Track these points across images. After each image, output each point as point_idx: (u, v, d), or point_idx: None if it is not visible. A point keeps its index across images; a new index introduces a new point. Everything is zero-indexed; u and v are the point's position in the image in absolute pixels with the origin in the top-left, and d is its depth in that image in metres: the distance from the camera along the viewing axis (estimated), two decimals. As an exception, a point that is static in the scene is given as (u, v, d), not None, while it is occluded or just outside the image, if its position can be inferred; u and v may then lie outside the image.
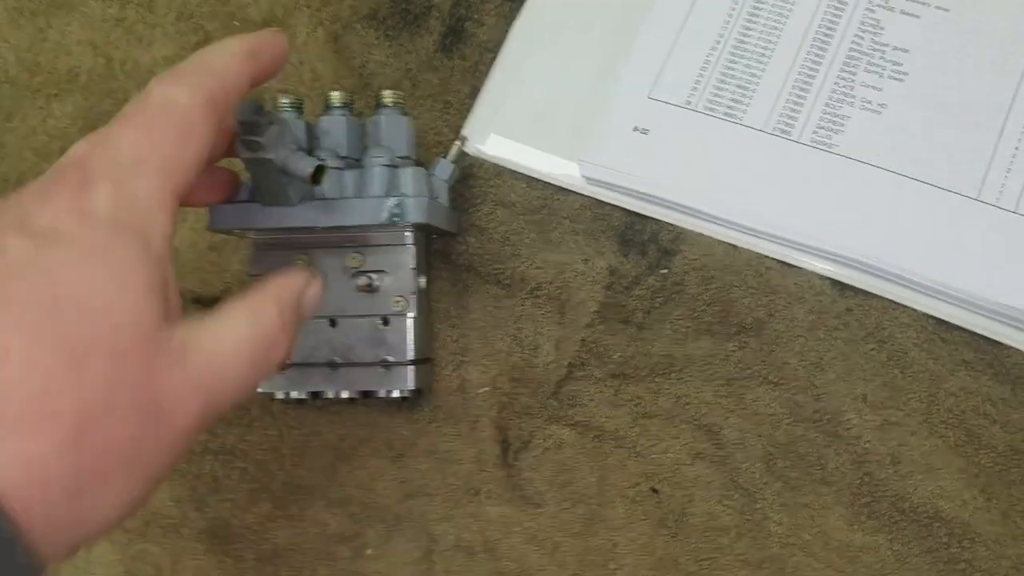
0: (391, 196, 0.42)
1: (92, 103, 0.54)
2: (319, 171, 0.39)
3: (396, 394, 0.44)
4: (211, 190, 0.41)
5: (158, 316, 0.29)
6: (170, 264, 0.31)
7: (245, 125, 0.38)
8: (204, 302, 0.49)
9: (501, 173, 0.48)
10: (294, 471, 0.46)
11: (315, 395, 0.45)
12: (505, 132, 0.49)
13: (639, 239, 0.45)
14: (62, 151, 0.53)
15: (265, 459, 0.46)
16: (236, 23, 0.53)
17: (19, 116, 0.54)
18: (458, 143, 0.46)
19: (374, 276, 0.43)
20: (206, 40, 0.53)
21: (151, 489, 0.30)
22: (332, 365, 0.44)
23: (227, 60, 0.35)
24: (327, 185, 0.42)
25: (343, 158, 0.44)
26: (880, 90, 0.45)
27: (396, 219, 0.42)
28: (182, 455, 0.30)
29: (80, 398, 0.27)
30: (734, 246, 0.44)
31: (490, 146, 0.48)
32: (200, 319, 0.32)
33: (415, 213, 0.42)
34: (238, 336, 0.32)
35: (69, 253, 0.28)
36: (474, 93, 0.50)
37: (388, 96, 0.45)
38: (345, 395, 0.44)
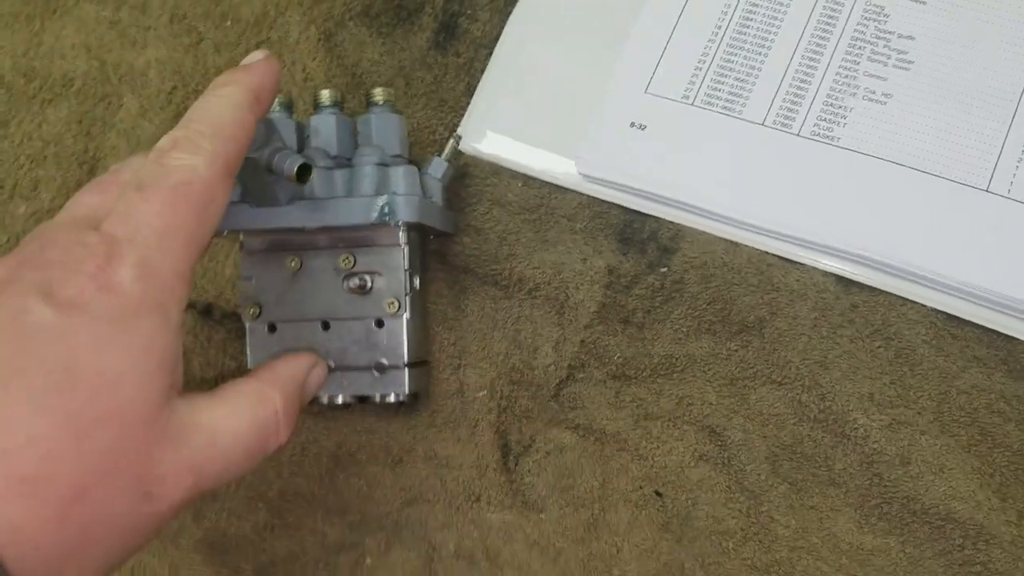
0: (381, 195, 0.41)
1: (86, 108, 0.53)
2: (304, 170, 0.38)
3: (392, 399, 0.43)
4: None
5: (165, 393, 0.30)
6: (181, 335, 0.32)
7: (231, 126, 0.37)
8: (197, 308, 0.48)
9: (498, 172, 0.47)
10: (291, 480, 0.45)
11: (310, 401, 0.44)
12: (501, 130, 0.48)
13: (638, 237, 0.44)
14: (56, 157, 0.53)
15: (261, 467, 0.45)
16: (228, 23, 0.53)
17: (15, 122, 0.54)
18: (452, 141, 0.45)
19: (367, 277, 0.42)
20: (199, 43, 0.53)
21: (131, 555, 0.30)
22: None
23: (237, 117, 0.34)
24: (316, 184, 0.41)
25: (334, 157, 0.43)
26: (884, 80, 0.43)
27: (386, 218, 0.41)
28: (165, 528, 0.31)
29: (78, 470, 0.28)
30: (735, 243, 0.43)
31: (486, 144, 0.47)
32: (203, 398, 0.32)
33: (406, 212, 0.41)
34: (238, 424, 0.33)
35: (91, 325, 0.29)
36: (469, 91, 0.49)
37: (379, 94, 0.44)
38: (340, 400, 0.43)
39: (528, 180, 0.47)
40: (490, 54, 0.49)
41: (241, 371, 0.47)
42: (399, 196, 0.41)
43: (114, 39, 0.54)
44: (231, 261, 0.48)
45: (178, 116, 0.52)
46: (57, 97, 0.54)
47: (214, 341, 0.47)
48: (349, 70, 0.50)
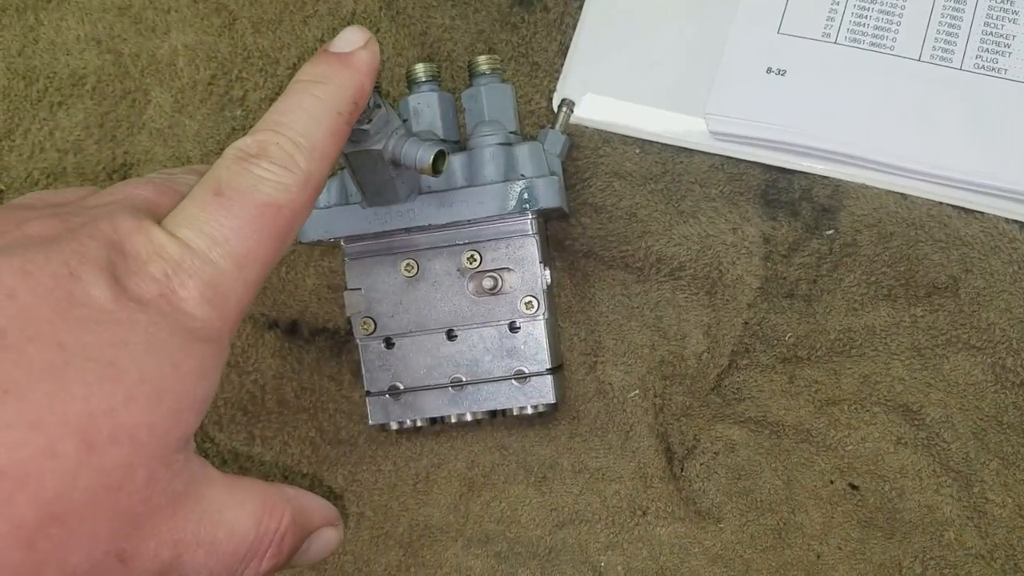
0: (512, 180, 0.35)
1: (106, 108, 0.46)
2: (440, 158, 0.32)
3: (530, 410, 0.37)
4: None
5: (186, 440, 0.25)
6: (218, 384, 0.27)
7: (347, 113, 0.31)
8: (281, 327, 0.42)
9: (608, 139, 0.41)
10: (420, 511, 0.39)
11: (432, 421, 0.38)
12: (604, 90, 0.42)
13: (786, 198, 0.39)
14: (78, 168, 0.46)
15: (383, 500, 0.40)
16: (265, -2, 0.46)
17: (20, 132, 0.46)
18: (566, 109, 0.40)
19: (497, 276, 0.37)
20: (232, 23, 0.46)
21: None
22: (457, 384, 0.37)
23: (335, 129, 0.28)
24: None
25: (442, 141, 0.37)
26: (1045, -1, 0.39)
27: (526, 206, 0.35)
28: None
29: (71, 487, 0.22)
30: (904, 195, 0.38)
31: (588, 109, 0.42)
32: (215, 471, 0.26)
33: (547, 196, 0.35)
34: (240, 519, 0.27)
35: (148, 328, 0.24)
36: (563, 50, 0.43)
37: (484, 63, 0.38)
38: (469, 417, 0.38)
39: (645, 145, 0.41)
40: (582, 5, 0.43)
41: (343, 394, 0.41)
42: (537, 180, 0.35)
43: (127, 27, 0.47)
44: (313, 270, 0.42)
45: (224, 108, 0.45)
46: (68, 99, 0.47)
47: (306, 363, 0.41)
48: (418, 40, 0.44)
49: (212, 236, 0.26)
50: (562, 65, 0.43)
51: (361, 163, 0.32)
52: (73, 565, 0.23)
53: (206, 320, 0.25)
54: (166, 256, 0.25)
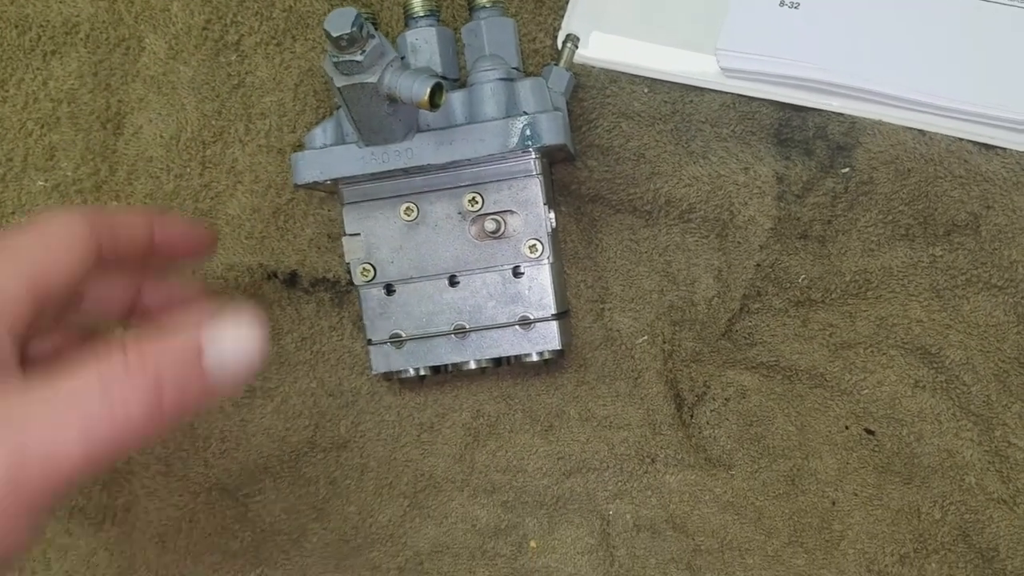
0: (513, 116, 0.34)
1: (100, 56, 0.45)
2: (437, 91, 0.31)
3: (535, 357, 0.36)
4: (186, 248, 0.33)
5: None
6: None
7: (339, 41, 0.30)
8: (280, 278, 0.41)
9: (616, 79, 0.40)
10: (424, 462, 0.39)
11: (435, 370, 0.37)
12: (611, 28, 0.40)
13: (800, 136, 0.38)
14: (72, 117, 0.45)
15: (387, 452, 0.39)
16: (260, -62, 0.44)
17: (13, 82, 0.45)
18: (570, 45, 0.38)
19: (500, 218, 0.36)
20: (227, -37, 0.44)
21: None
22: (460, 332, 0.36)
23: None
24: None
25: (442, 78, 0.35)
26: (1074, -79, 0.37)
27: (528, 143, 0.34)
28: None
29: None
30: (923, 131, 0.37)
31: (594, 47, 0.40)
32: (34, 382, 0.23)
33: (551, 133, 0.34)
34: (77, 418, 0.23)
35: None
36: (568, -14, 0.41)
37: (484, -5, 0.37)
38: (473, 365, 0.37)
39: (654, 84, 0.40)
40: (586, -59, 0.41)
41: (344, 345, 0.40)
42: (540, 116, 0.34)
43: (120, -29, 0.46)
44: (312, 219, 0.41)
45: (219, 54, 0.44)
46: (62, 47, 0.45)
47: (305, 314, 0.40)
48: (417, -23, 0.42)
49: None
50: (567, 2, 0.41)
51: (355, 97, 0.31)
52: None
53: None
54: None
